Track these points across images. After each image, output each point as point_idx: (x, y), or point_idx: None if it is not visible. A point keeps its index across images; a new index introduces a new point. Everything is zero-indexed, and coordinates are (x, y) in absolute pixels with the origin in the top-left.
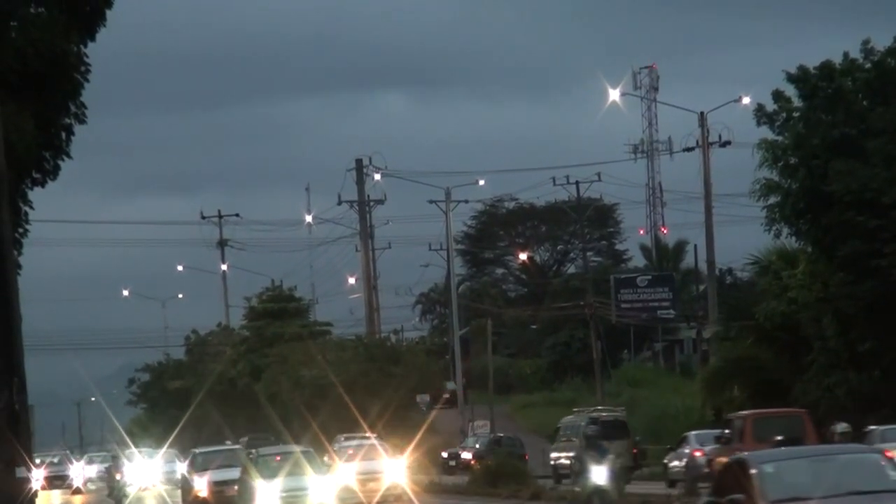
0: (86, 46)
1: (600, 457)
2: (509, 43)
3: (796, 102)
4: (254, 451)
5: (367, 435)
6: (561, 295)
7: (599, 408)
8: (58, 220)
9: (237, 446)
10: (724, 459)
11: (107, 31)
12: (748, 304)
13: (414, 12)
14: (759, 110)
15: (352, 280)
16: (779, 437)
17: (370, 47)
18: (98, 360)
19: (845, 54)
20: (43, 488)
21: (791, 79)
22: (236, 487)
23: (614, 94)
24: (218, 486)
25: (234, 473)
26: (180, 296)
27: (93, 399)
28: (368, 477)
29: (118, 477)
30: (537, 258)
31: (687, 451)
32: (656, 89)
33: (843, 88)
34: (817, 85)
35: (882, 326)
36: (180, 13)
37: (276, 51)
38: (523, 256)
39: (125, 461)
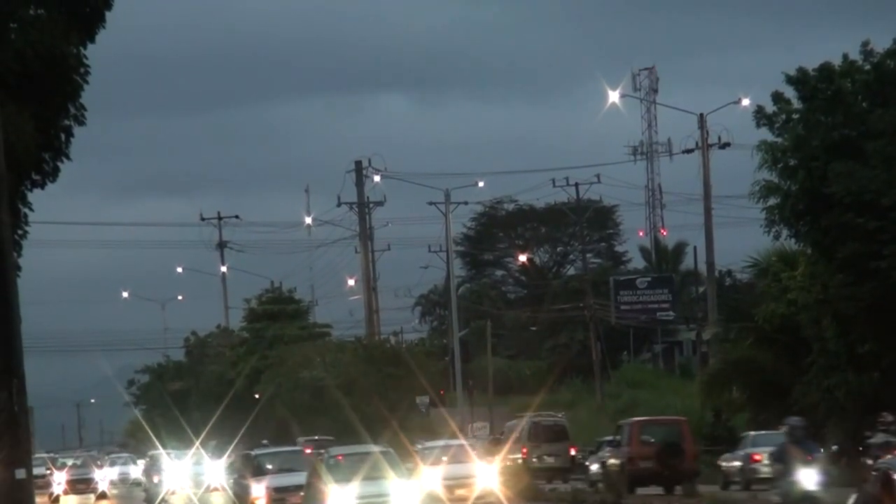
0: (85, 48)
1: (807, 456)
2: (509, 44)
3: (796, 104)
4: (324, 450)
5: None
6: (560, 296)
7: (541, 413)
8: (57, 221)
9: (296, 447)
10: (614, 460)
11: (106, 32)
12: (748, 306)
13: (413, 14)
14: (759, 112)
15: (351, 282)
16: (651, 440)
17: (369, 49)
18: (97, 362)
19: (844, 56)
20: (66, 493)
21: (790, 80)
22: (302, 494)
23: (614, 96)
24: (279, 493)
25: (296, 478)
26: (180, 297)
27: (92, 401)
28: (458, 482)
29: (155, 480)
30: (537, 260)
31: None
32: (656, 91)
33: (842, 90)
34: (817, 87)
35: (882, 328)
36: (180, 15)
37: (275, 53)
38: (523, 258)
39: (162, 463)
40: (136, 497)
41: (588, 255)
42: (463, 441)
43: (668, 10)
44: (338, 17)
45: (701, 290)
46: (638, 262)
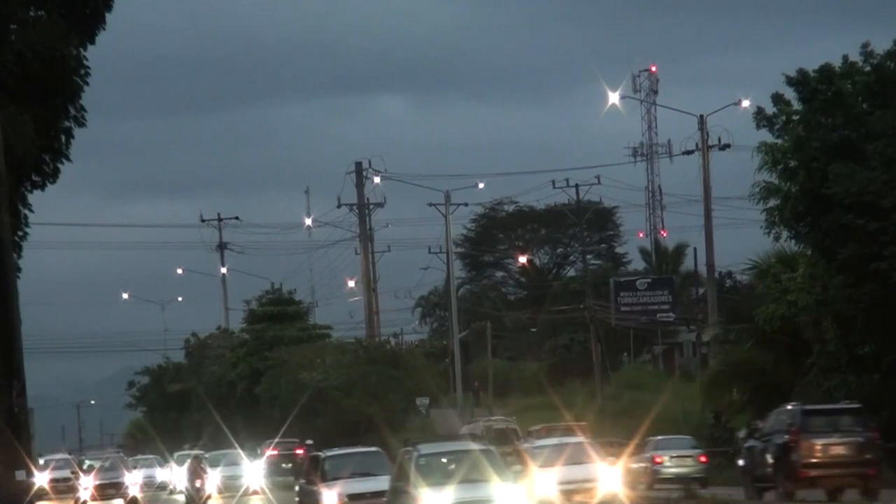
0: (85, 49)
1: None
2: (509, 46)
3: (796, 105)
4: (411, 447)
5: (572, 426)
6: (560, 298)
7: (493, 417)
8: (57, 223)
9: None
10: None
11: (107, 34)
12: (748, 308)
13: (413, 16)
14: (759, 113)
15: (351, 283)
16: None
17: (370, 51)
18: (97, 363)
19: (845, 57)
20: (93, 498)
21: (790, 82)
22: (384, 500)
23: (614, 98)
24: (355, 501)
25: (374, 483)
26: (180, 299)
27: (92, 402)
28: (576, 486)
29: (197, 484)
30: (537, 261)
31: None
32: (656, 92)
33: (842, 91)
34: (817, 88)
35: (882, 329)
36: (180, 17)
37: (276, 54)
38: (523, 259)
39: (206, 464)
40: (171, 502)
41: (588, 257)
42: (582, 438)
43: (667, 13)
44: (338, 20)
45: (701, 291)
46: (638, 264)
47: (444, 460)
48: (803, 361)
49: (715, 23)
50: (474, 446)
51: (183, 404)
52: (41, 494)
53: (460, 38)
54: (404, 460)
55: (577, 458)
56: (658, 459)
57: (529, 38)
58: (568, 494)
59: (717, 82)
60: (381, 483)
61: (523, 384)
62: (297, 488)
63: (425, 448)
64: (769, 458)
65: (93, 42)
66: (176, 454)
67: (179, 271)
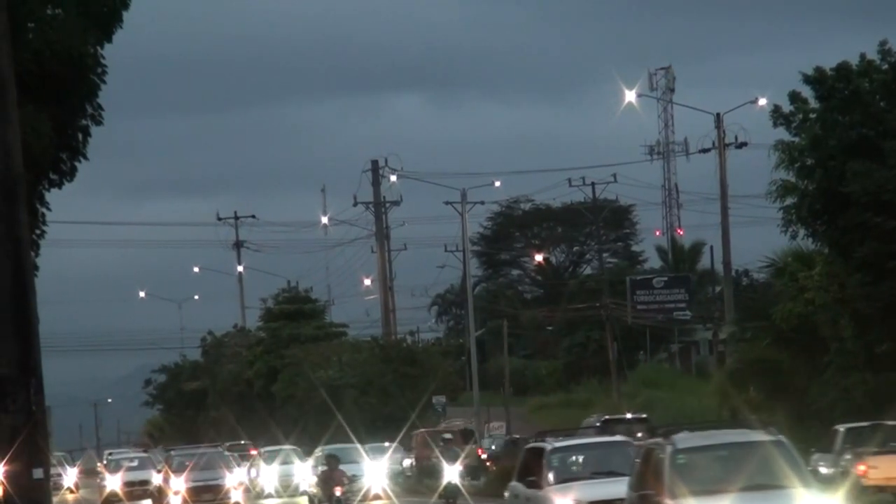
0: (102, 48)
1: None
2: (525, 45)
3: (813, 104)
4: (662, 439)
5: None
6: (577, 296)
7: (458, 420)
8: (74, 221)
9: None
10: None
11: (124, 32)
12: (764, 306)
13: (429, 14)
14: (776, 111)
15: (368, 281)
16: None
17: (386, 49)
18: (114, 362)
19: (862, 55)
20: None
21: (807, 80)
22: None
23: (630, 96)
24: None
25: (615, 487)
26: (196, 297)
27: (109, 400)
28: None
29: (338, 492)
30: (553, 259)
31: None
32: (672, 91)
33: (859, 89)
34: (834, 86)
35: None
36: (197, 16)
37: (292, 53)
38: (539, 258)
39: (297, 462)
40: None
41: (604, 255)
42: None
43: (684, 12)
44: (355, 18)
45: (717, 289)
46: (654, 262)
47: (715, 458)
48: (820, 360)
49: (731, 22)
50: (759, 436)
51: (199, 402)
52: (112, 501)
53: (477, 36)
54: (653, 458)
55: None
56: None
57: (546, 37)
58: None
59: (734, 81)
60: (624, 486)
61: (539, 383)
62: (507, 493)
63: (684, 440)
64: None
65: (110, 40)
66: (263, 451)
67: (196, 270)
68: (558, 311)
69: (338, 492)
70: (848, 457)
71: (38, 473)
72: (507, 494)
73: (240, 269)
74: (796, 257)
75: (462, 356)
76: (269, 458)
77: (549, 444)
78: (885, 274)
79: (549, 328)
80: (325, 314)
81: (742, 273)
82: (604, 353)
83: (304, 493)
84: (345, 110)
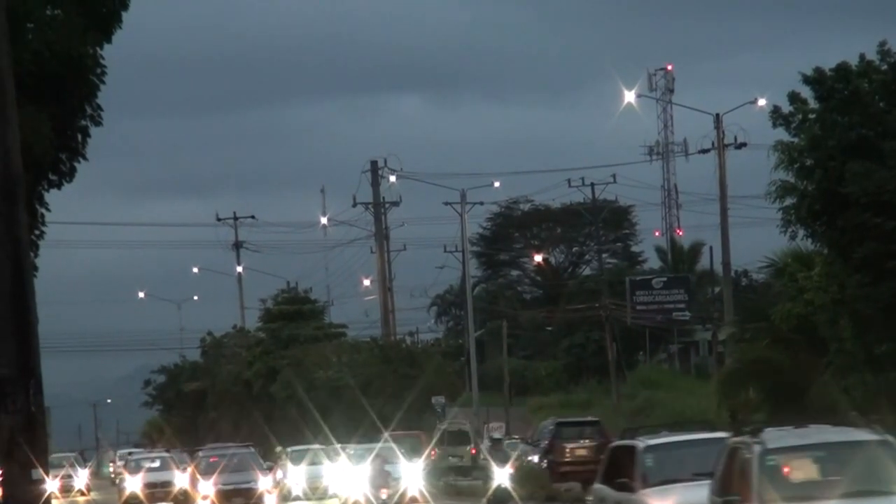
0: (102, 48)
1: None
2: (525, 45)
3: (812, 104)
4: (750, 438)
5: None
6: (576, 297)
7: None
8: (74, 222)
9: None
10: None
11: (123, 33)
12: (764, 306)
13: (429, 14)
14: (775, 112)
15: (367, 282)
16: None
17: (385, 49)
18: (114, 362)
19: (861, 56)
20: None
21: (807, 80)
22: None
23: (629, 96)
24: None
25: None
26: (196, 298)
27: (108, 401)
28: None
29: (383, 495)
30: (552, 260)
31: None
32: (671, 91)
33: (859, 90)
34: (833, 87)
35: None
36: (196, 16)
37: (292, 54)
38: (538, 258)
39: (326, 463)
40: None
41: (604, 256)
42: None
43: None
44: (354, 19)
45: (717, 290)
46: (654, 263)
47: (811, 460)
48: (820, 360)
49: (731, 22)
50: (862, 435)
51: (198, 403)
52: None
53: (475, 37)
54: (739, 459)
55: None
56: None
57: (545, 37)
58: None
59: (733, 82)
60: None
61: (538, 383)
62: (591, 497)
63: (775, 439)
64: (535, 459)
65: (109, 41)
66: (290, 450)
67: (195, 270)
68: (558, 312)
69: (383, 494)
70: None
71: (36, 474)
72: (590, 498)
73: (239, 269)
74: (796, 258)
75: (461, 357)
76: (297, 459)
77: (643, 442)
78: (884, 274)
79: (549, 329)
80: (325, 315)
81: (741, 273)
82: (603, 354)
83: (334, 495)
84: (344, 110)
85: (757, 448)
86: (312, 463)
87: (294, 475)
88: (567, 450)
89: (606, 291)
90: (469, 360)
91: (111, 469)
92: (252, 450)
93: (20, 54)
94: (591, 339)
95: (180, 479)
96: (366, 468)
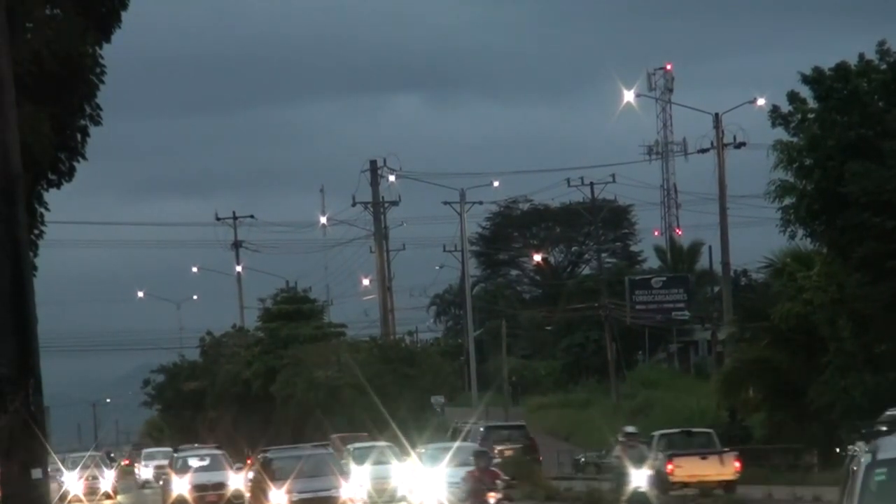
0: (101, 48)
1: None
2: (524, 45)
3: (811, 104)
4: (865, 443)
5: None
6: (575, 296)
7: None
8: (73, 221)
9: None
10: None
11: (122, 33)
12: (763, 306)
13: (428, 14)
14: (774, 112)
15: (366, 281)
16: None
17: (385, 49)
18: (113, 362)
19: (860, 56)
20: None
21: (806, 80)
22: None
23: (629, 96)
24: None
25: None
26: (195, 297)
27: (108, 400)
28: None
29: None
30: (552, 259)
31: None
32: (671, 91)
33: (858, 90)
34: (832, 86)
35: None
36: (195, 16)
37: (291, 53)
38: (538, 258)
39: (394, 462)
40: None
41: (603, 255)
42: None
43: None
44: (354, 19)
45: (716, 289)
46: (653, 262)
47: None
48: (819, 360)
49: (730, 22)
50: None
51: (198, 403)
52: None
53: (476, 37)
54: (847, 470)
55: None
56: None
57: (544, 37)
58: None
59: (733, 82)
60: None
61: (538, 383)
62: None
63: (891, 448)
64: None
65: (108, 41)
66: (352, 447)
67: (195, 270)
68: (557, 312)
69: (492, 500)
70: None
71: (36, 474)
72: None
73: (238, 269)
74: (795, 257)
75: (461, 356)
76: (361, 457)
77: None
78: (883, 274)
79: (548, 328)
80: (324, 314)
81: (741, 273)
82: (602, 354)
83: (403, 498)
84: (344, 111)
85: (865, 459)
86: (378, 462)
87: (358, 476)
88: (496, 451)
89: (606, 291)
90: (468, 360)
91: (136, 469)
92: (330, 450)
93: (19, 54)
94: (590, 338)
95: (234, 480)
96: (450, 473)
